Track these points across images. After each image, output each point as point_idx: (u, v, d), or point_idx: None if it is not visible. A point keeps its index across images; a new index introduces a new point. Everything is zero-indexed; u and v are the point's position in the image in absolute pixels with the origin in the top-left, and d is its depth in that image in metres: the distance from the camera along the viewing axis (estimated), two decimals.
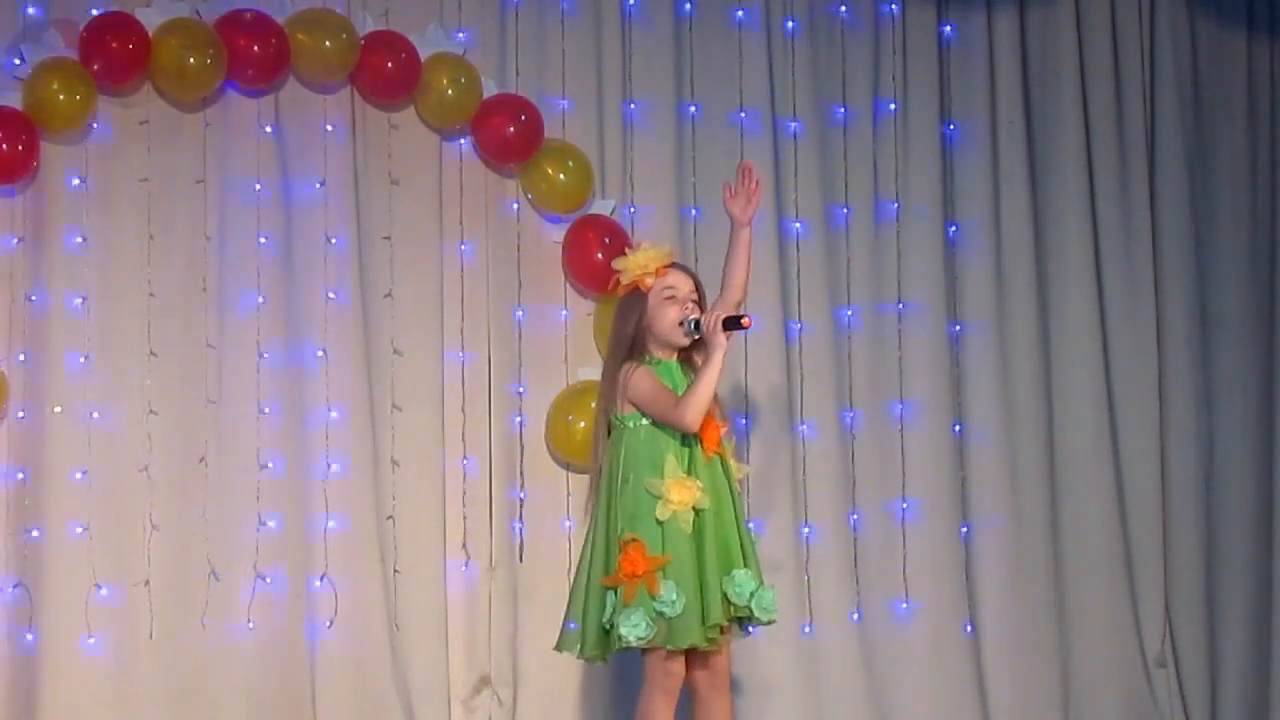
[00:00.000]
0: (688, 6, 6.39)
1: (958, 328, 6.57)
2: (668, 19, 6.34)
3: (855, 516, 6.41)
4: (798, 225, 6.42)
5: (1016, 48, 6.68)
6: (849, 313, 6.46)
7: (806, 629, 6.29)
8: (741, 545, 4.99)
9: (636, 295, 5.07)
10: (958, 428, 6.52)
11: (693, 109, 6.36)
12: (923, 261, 6.52)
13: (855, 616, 6.37)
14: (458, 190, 6.11)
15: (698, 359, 5.02)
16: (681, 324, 4.99)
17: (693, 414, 4.88)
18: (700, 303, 5.05)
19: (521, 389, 6.11)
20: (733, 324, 4.94)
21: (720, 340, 4.90)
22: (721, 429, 5.06)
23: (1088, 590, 6.59)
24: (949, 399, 6.52)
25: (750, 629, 5.08)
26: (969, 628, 6.47)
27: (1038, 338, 6.61)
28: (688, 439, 4.96)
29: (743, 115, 6.39)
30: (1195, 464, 6.73)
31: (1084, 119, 6.71)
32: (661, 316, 5.02)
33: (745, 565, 4.96)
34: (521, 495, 6.09)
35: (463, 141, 6.12)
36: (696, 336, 4.99)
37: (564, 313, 6.17)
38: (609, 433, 5.03)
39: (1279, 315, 6.74)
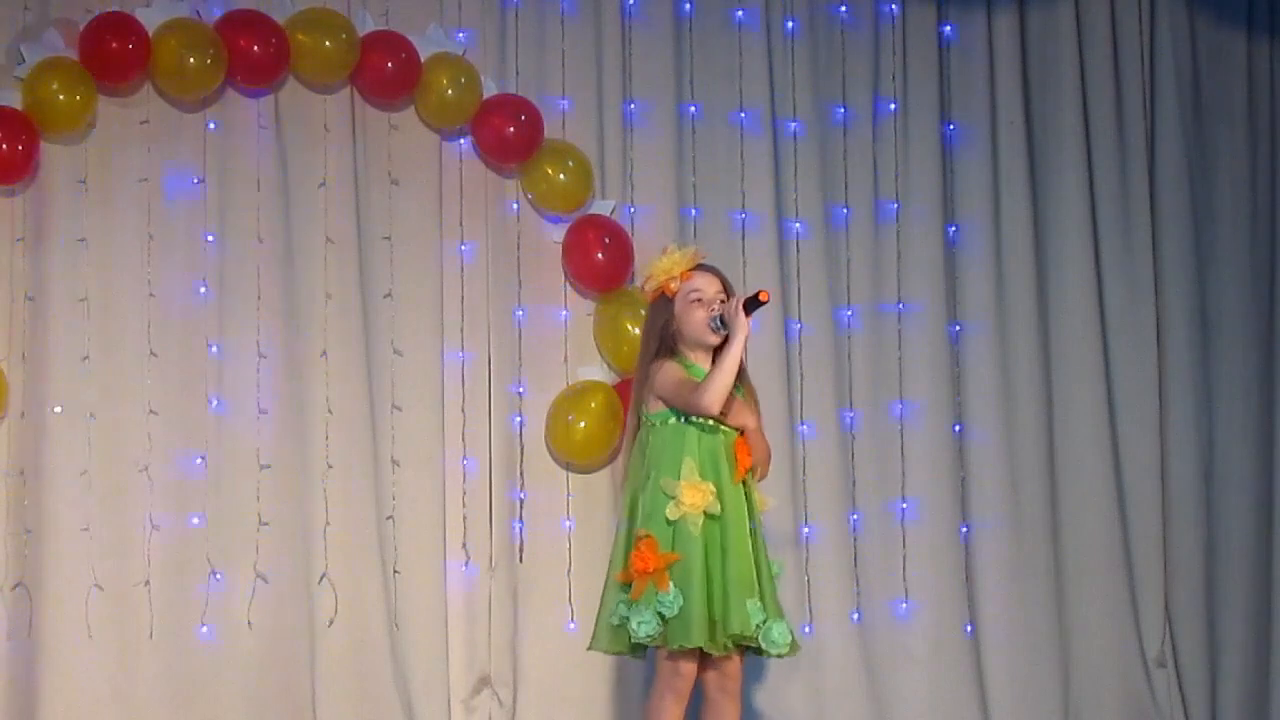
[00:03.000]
0: (688, 7, 6.38)
1: (958, 327, 6.57)
2: (668, 19, 6.33)
3: (855, 517, 6.41)
4: (798, 225, 6.42)
5: (1016, 48, 6.68)
6: (849, 313, 6.46)
7: (807, 629, 6.28)
8: (758, 577, 4.95)
9: (664, 300, 5.06)
10: (958, 428, 6.52)
11: (693, 109, 6.36)
12: (923, 261, 6.52)
13: (855, 617, 6.37)
14: (458, 190, 6.11)
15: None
16: (709, 324, 4.98)
17: (710, 395, 4.86)
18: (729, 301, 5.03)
19: (521, 389, 6.11)
20: (752, 304, 4.93)
21: (742, 322, 4.89)
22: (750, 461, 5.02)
23: (1088, 590, 6.59)
24: (948, 399, 6.52)
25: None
26: (969, 628, 6.46)
27: (1038, 338, 6.61)
28: (718, 452, 4.95)
29: (743, 115, 6.39)
30: (1195, 464, 6.72)
31: (1084, 119, 6.71)
32: (689, 319, 5.01)
33: (759, 597, 4.92)
34: (521, 495, 6.09)
35: (463, 141, 6.12)
36: (725, 333, 4.97)
37: (564, 313, 6.17)
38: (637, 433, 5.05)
39: (1279, 315, 6.74)
